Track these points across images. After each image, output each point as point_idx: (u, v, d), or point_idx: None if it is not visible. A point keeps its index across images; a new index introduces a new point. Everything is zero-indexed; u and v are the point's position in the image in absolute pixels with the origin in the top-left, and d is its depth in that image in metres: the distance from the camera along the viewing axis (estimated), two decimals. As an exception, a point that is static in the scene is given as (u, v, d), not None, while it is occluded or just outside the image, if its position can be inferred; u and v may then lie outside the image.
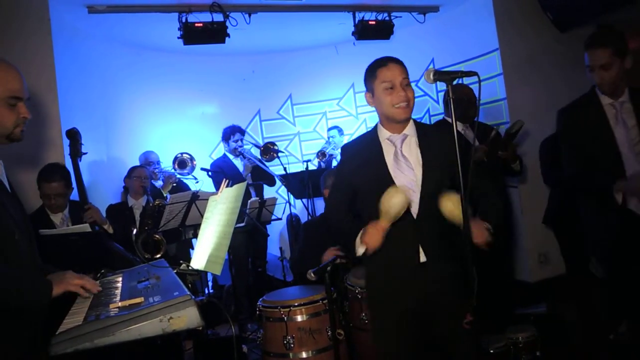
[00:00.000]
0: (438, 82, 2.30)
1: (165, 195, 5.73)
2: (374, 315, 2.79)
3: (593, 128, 3.21)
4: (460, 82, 3.33)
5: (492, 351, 3.43)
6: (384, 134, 2.66)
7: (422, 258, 2.53)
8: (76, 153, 3.74)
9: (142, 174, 5.17)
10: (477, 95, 2.25)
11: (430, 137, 2.63)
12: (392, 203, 2.34)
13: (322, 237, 4.01)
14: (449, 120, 4.45)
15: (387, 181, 2.54)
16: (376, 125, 2.73)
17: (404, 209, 2.37)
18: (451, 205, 2.34)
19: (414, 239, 2.53)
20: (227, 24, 5.47)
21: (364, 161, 2.65)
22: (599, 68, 3.12)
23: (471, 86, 4.30)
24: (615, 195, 3.08)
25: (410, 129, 2.64)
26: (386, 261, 2.59)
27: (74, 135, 3.76)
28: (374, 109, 2.69)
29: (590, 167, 3.21)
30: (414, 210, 2.51)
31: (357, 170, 2.67)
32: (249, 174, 6.13)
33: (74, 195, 3.92)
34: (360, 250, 2.50)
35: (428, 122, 7.16)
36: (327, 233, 3.57)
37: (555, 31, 5.79)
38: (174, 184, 6.02)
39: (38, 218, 3.87)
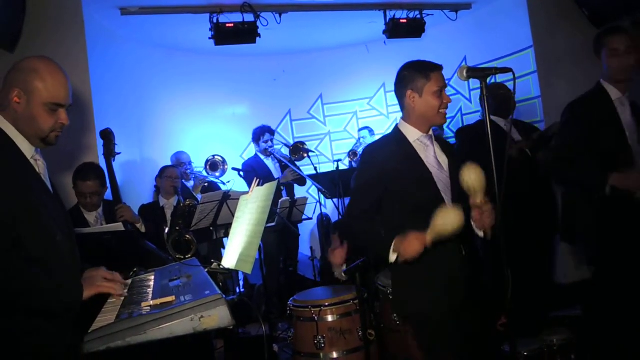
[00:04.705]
0: (471, 81, 2.28)
1: (195, 195, 5.77)
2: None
3: (603, 121, 3.23)
4: (494, 79, 3.29)
5: (526, 354, 3.37)
6: (413, 134, 2.61)
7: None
8: (110, 153, 3.78)
9: (173, 174, 5.21)
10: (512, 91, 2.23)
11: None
12: (448, 222, 2.21)
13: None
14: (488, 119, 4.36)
15: (430, 183, 2.51)
16: (397, 128, 2.71)
17: (457, 231, 2.23)
18: (474, 176, 2.29)
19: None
20: (258, 24, 5.49)
21: (398, 163, 2.54)
22: None
23: (505, 84, 4.22)
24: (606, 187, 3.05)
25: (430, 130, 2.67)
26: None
27: (107, 136, 3.80)
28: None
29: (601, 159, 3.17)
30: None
31: (392, 173, 2.52)
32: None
33: (108, 194, 3.96)
34: (392, 257, 2.35)
35: (461, 121, 7.09)
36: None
37: (591, 27, 5.66)
38: (205, 184, 6.07)
39: (73, 217, 3.91)
